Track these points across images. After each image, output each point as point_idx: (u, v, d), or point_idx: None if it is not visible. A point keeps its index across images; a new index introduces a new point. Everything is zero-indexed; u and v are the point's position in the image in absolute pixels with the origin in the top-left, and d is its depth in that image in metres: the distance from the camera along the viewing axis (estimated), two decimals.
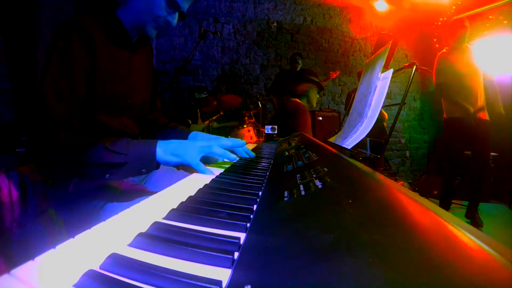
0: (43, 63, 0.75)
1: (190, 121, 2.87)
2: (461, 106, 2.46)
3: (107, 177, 0.70)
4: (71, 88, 0.75)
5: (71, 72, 0.75)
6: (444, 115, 2.64)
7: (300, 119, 2.33)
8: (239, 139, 0.83)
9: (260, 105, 3.28)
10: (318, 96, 2.48)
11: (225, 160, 0.80)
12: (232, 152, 0.84)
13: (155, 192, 0.51)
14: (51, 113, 0.71)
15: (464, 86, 2.45)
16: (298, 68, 3.67)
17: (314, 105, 2.51)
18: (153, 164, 0.71)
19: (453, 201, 2.74)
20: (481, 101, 2.46)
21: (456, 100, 2.48)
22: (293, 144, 1.12)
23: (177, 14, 0.87)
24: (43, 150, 0.72)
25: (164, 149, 0.71)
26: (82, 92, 0.77)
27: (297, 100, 2.45)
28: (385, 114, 3.24)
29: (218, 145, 0.74)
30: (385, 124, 3.05)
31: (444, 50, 2.59)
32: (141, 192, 0.84)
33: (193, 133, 1.00)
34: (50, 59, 0.74)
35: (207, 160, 0.85)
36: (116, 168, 0.70)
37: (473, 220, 2.45)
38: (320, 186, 0.42)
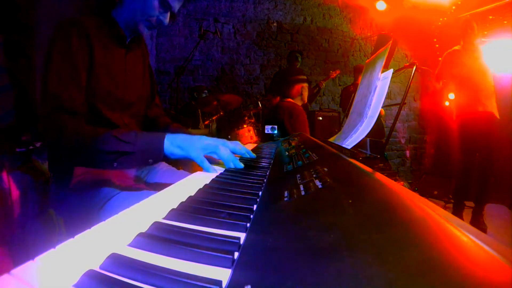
0: (43, 61, 0.77)
1: (190, 123, 2.87)
2: (471, 107, 2.43)
3: (115, 165, 0.72)
4: (75, 77, 0.77)
5: (74, 63, 0.77)
6: (455, 115, 2.61)
7: (298, 119, 2.36)
8: (238, 142, 0.85)
9: (260, 105, 3.28)
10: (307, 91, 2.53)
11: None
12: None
13: (155, 191, 0.51)
14: (57, 100, 0.73)
15: (474, 86, 2.42)
16: (298, 66, 3.64)
17: (306, 100, 2.55)
18: (161, 155, 0.73)
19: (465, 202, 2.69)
20: (491, 101, 2.43)
21: (466, 101, 2.46)
22: (293, 144, 1.12)
23: (168, 13, 0.91)
24: (51, 139, 0.74)
25: (171, 141, 0.73)
26: (84, 83, 0.80)
27: (291, 100, 2.46)
28: (382, 110, 3.22)
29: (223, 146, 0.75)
30: (382, 120, 3.04)
31: (452, 49, 2.57)
32: (141, 192, 0.84)
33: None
34: (52, 52, 0.76)
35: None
36: (124, 157, 0.71)
37: (478, 225, 2.43)
38: (320, 186, 0.42)
